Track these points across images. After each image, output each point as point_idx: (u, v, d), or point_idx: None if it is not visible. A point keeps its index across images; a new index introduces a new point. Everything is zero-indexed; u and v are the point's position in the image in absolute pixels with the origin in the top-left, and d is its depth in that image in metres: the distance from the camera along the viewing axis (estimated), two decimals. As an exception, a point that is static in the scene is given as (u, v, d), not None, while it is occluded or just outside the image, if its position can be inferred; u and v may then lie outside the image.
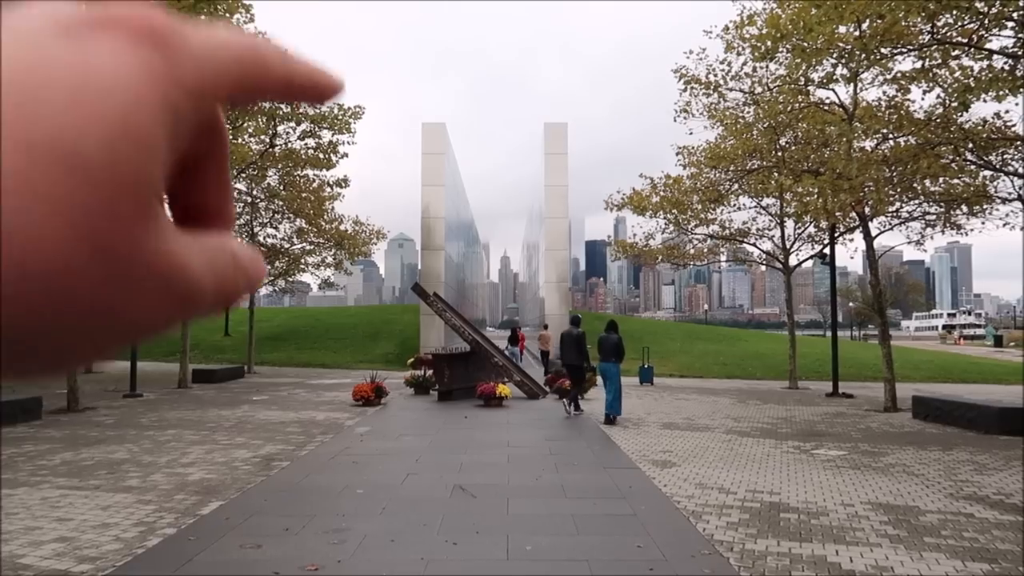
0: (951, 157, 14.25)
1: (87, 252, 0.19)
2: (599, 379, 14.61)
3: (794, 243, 22.38)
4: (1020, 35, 11.62)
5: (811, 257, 22.80)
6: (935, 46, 12.11)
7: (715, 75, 17.91)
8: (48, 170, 0.19)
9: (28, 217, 0.18)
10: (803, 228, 22.08)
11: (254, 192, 25.81)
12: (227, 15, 15.44)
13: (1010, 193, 14.97)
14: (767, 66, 16.29)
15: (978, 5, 11.00)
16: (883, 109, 14.65)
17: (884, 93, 14.78)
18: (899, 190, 15.40)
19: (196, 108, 0.23)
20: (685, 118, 19.70)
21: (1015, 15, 11.16)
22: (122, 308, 0.21)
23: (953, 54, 12.19)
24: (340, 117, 23.44)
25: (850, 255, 23.41)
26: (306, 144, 24.19)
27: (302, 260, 29.58)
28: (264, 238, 28.32)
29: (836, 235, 19.96)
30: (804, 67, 13.82)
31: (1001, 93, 11.53)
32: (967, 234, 17.78)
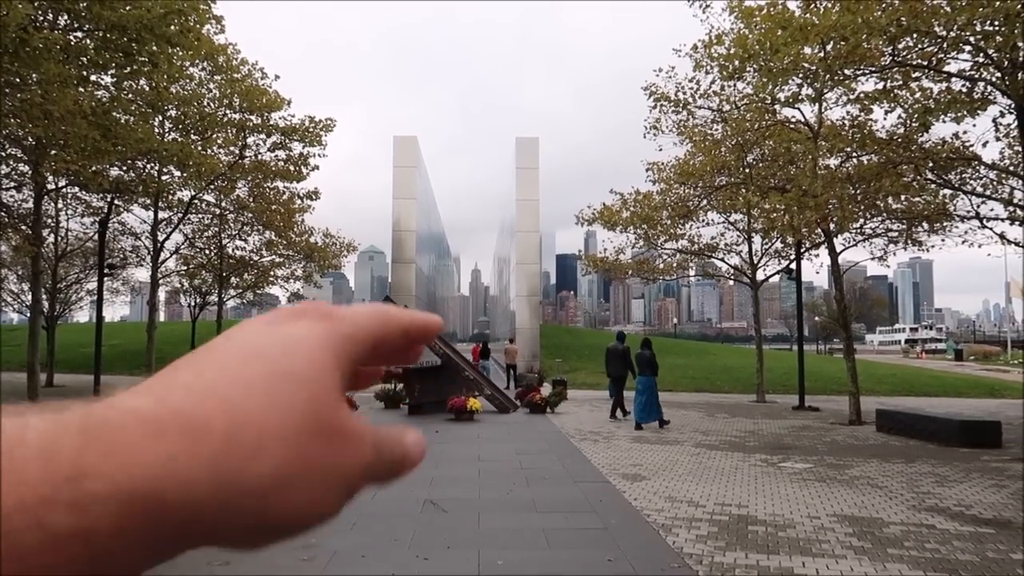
0: (912, 176, 14.60)
1: (300, 465, 0.29)
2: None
3: (761, 258, 22.72)
4: (976, 59, 12.01)
5: (778, 272, 23.15)
6: (896, 68, 12.45)
7: (684, 93, 18.19)
8: (261, 398, 0.29)
9: (256, 433, 0.29)
10: (770, 244, 22.43)
11: (223, 204, 25.54)
12: (198, 26, 15.34)
13: (968, 211, 15.36)
14: (735, 85, 16.59)
15: (937, 30, 11.35)
16: (847, 128, 14.98)
17: (848, 113, 15.13)
18: (863, 207, 15.73)
19: (355, 347, 0.35)
20: (655, 135, 19.96)
21: (972, 39, 11.53)
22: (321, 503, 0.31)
23: (914, 76, 12.55)
24: (311, 130, 23.35)
25: (816, 270, 23.92)
26: (276, 156, 24.04)
27: (271, 272, 29.29)
28: (233, 250, 28.02)
29: (802, 251, 20.31)
30: (770, 86, 14.09)
31: (959, 114, 11.91)
32: (928, 250, 18.19)
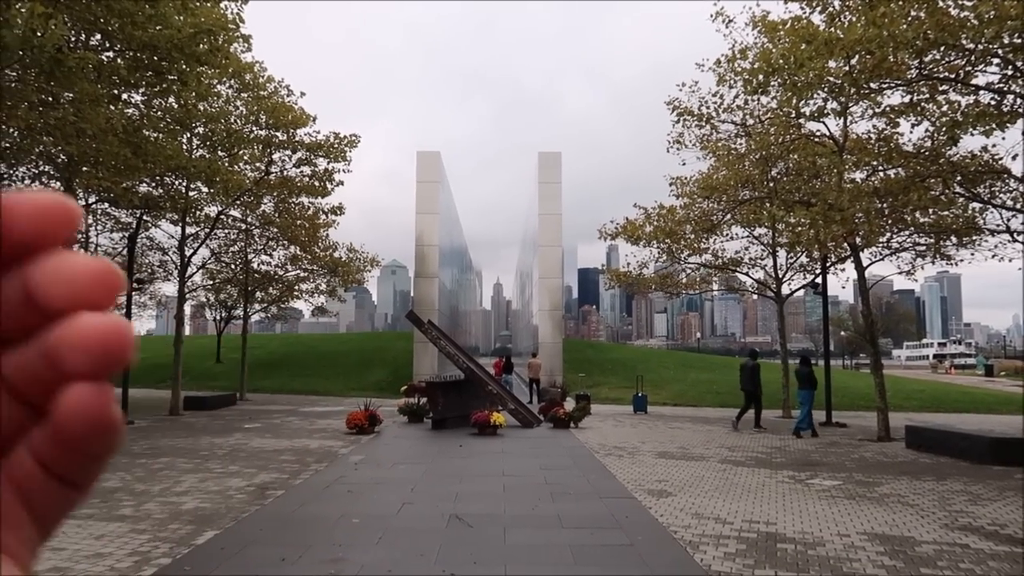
0: (940, 189, 14.43)
1: None
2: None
3: (786, 272, 22.53)
4: (1005, 71, 11.88)
5: (803, 286, 22.94)
6: (923, 81, 12.35)
7: (707, 107, 18.16)
8: None
9: None
10: (795, 258, 22.24)
11: (249, 219, 25.86)
12: (226, 45, 15.60)
13: (998, 225, 15.14)
14: (759, 99, 16.54)
15: (964, 42, 11.25)
16: (873, 142, 14.87)
17: (874, 126, 15.03)
18: (890, 221, 15.56)
19: None
20: (678, 149, 19.92)
21: (1000, 52, 11.41)
22: None
23: (941, 89, 12.43)
24: (335, 146, 23.59)
25: (841, 284, 23.66)
26: (301, 172, 24.30)
27: (296, 287, 29.59)
28: (258, 265, 28.34)
29: (828, 265, 20.12)
30: (795, 101, 14.03)
31: (988, 127, 11.76)
32: (957, 264, 17.94)
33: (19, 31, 10.54)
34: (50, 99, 13.02)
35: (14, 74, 12.55)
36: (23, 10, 10.84)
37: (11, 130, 13.42)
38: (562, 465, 11.51)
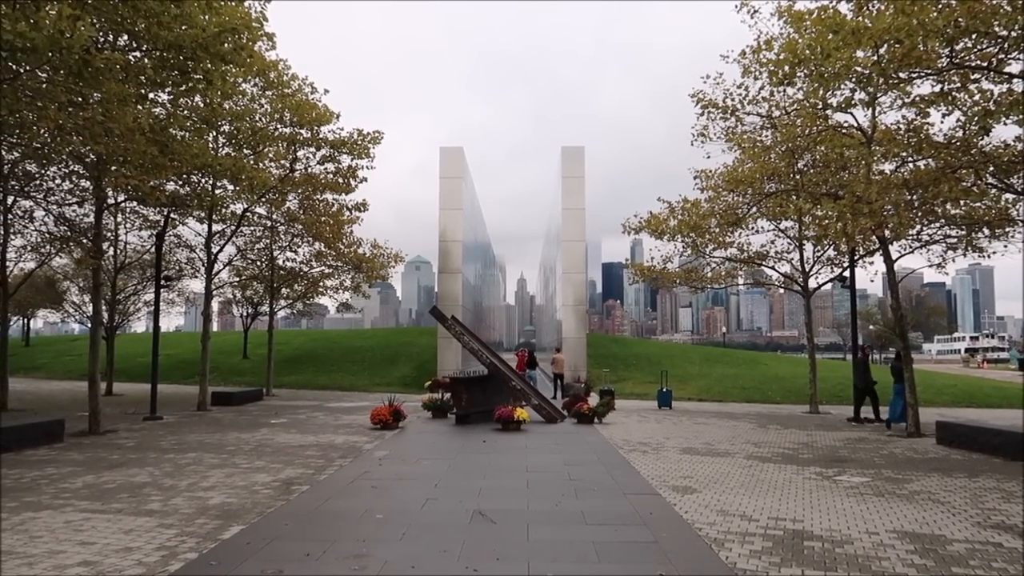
0: (972, 180, 14.12)
1: None
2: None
3: (813, 266, 22.24)
4: (1040, 59, 11.57)
5: (831, 280, 22.63)
6: (954, 70, 12.08)
7: (732, 99, 17.93)
8: None
9: None
10: (822, 251, 21.95)
11: (274, 216, 26.08)
12: (250, 44, 15.68)
13: (1033, 216, 14.81)
14: (784, 90, 16.30)
15: (997, 29, 10.98)
16: (902, 132, 14.58)
17: (903, 116, 14.72)
18: (920, 213, 15.27)
19: None
20: (703, 142, 19.71)
21: (1034, 39, 11.11)
22: None
23: (972, 78, 12.15)
24: (359, 142, 23.69)
25: (870, 278, 23.18)
26: (325, 169, 24.45)
27: (321, 283, 29.81)
28: (283, 261, 28.58)
29: (856, 258, 19.81)
30: (822, 91, 13.81)
31: (1022, 116, 11.48)
32: (989, 257, 17.57)
33: (48, 32, 10.68)
34: (79, 99, 13.18)
35: (44, 75, 12.72)
36: (51, 12, 10.99)
37: (42, 130, 13.62)
38: (586, 461, 11.48)
